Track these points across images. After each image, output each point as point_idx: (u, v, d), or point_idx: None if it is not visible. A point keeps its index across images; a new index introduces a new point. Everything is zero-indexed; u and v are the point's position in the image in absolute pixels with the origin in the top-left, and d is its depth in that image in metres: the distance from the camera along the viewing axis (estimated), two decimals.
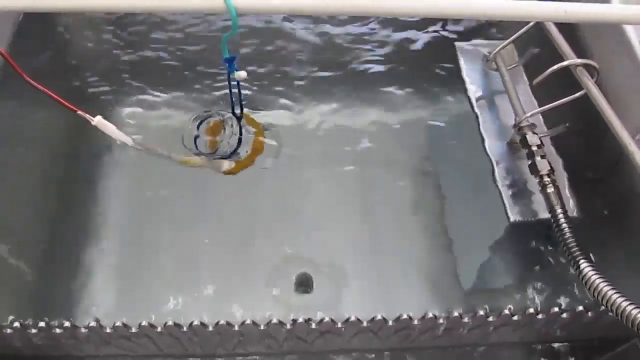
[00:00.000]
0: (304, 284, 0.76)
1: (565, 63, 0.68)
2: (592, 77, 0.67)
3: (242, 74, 0.70)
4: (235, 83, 0.74)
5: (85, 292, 0.73)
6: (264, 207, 0.81)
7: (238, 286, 0.74)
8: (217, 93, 0.88)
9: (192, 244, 0.77)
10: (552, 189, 0.70)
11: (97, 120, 0.72)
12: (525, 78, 0.85)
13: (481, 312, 0.61)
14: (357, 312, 0.64)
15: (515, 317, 0.62)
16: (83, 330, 0.61)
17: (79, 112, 0.71)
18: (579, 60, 0.67)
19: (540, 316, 0.62)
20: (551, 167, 0.72)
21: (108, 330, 0.61)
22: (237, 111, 0.78)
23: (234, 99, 0.77)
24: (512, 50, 0.85)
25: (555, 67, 0.68)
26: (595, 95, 0.65)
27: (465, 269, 0.74)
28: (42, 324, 0.60)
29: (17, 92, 0.79)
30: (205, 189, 0.81)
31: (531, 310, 0.61)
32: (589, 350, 0.71)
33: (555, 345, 0.71)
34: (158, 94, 0.88)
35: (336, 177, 0.83)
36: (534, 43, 0.85)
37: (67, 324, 0.60)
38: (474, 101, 0.84)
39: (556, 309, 0.62)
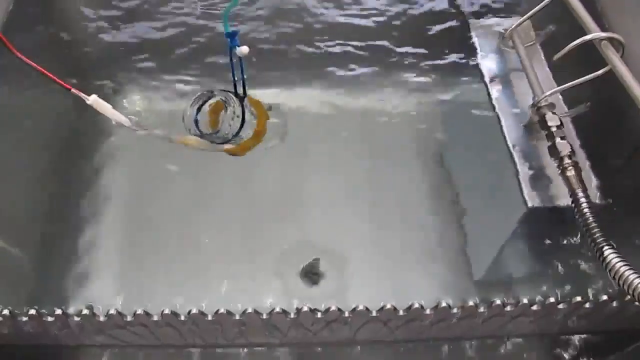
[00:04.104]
0: (311, 274, 0.72)
1: (588, 37, 0.64)
2: (617, 52, 0.63)
3: (244, 49, 0.66)
4: (239, 63, 0.70)
5: (83, 281, 0.70)
6: (268, 192, 0.77)
7: (241, 275, 0.71)
8: (221, 74, 0.84)
9: (194, 230, 0.74)
10: (573, 172, 0.66)
11: (92, 99, 0.69)
12: (543, 57, 0.80)
13: (498, 302, 0.57)
14: (366, 302, 0.60)
15: (535, 307, 0.58)
16: (75, 318, 0.57)
17: (74, 90, 0.68)
18: (604, 34, 0.63)
19: (561, 306, 0.58)
20: (572, 148, 0.68)
21: (102, 319, 0.57)
22: (240, 91, 0.74)
23: (236, 78, 0.73)
24: (529, 27, 0.81)
25: (577, 41, 0.64)
26: (622, 71, 0.61)
27: (480, 257, 0.70)
28: (32, 311, 0.57)
29: (9, 74, 0.76)
30: (207, 172, 0.78)
31: (552, 299, 0.57)
32: (610, 343, 0.67)
33: (575, 337, 0.67)
34: (160, 73, 0.85)
35: (344, 161, 0.79)
36: (552, 20, 0.81)
37: (58, 311, 0.57)
38: (489, 82, 0.80)
39: (579, 298, 0.58)
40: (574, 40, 0.66)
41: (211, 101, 0.74)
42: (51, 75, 0.64)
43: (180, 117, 0.72)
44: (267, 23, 0.89)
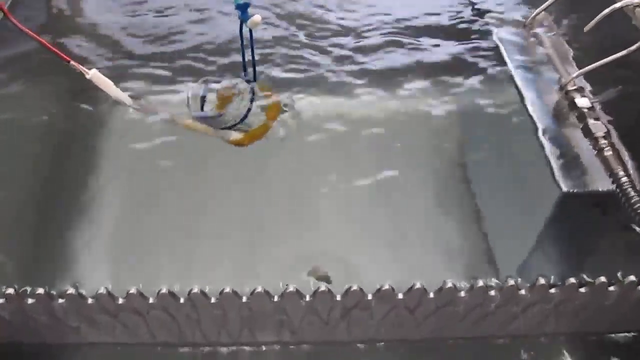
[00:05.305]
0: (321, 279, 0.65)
1: (619, 4, 0.60)
2: None
3: (257, 18, 0.62)
4: (249, 48, 0.67)
5: (75, 273, 0.63)
6: (274, 188, 0.71)
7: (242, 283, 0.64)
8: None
9: (192, 227, 0.68)
10: (611, 152, 0.61)
11: (93, 74, 0.64)
12: (567, 46, 0.77)
13: (542, 281, 0.50)
14: None
15: (583, 290, 0.51)
16: (60, 300, 0.50)
17: (73, 63, 0.64)
18: (636, 0, 0.60)
19: (612, 288, 0.51)
20: (607, 129, 0.63)
21: (89, 301, 0.50)
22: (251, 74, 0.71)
23: (246, 61, 0.69)
24: (549, 18, 0.79)
25: (608, 9, 0.61)
26: None
27: (513, 246, 0.63)
28: (10, 290, 0.49)
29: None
30: (210, 163, 0.72)
31: (603, 279, 0.50)
32: None
33: (626, 335, 0.59)
34: (163, 59, 0.81)
35: (358, 154, 0.74)
36: (571, 9, 0.78)
37: (40, 290, 0.49)
38: (514, 72, 0.76)
39: (632, 278, 0.51)
40: (594, 30, 0.63)
41: (220, 85, 0.70)
42: (51, 47, 0.60)
43: (184, 103, 0.68)
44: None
